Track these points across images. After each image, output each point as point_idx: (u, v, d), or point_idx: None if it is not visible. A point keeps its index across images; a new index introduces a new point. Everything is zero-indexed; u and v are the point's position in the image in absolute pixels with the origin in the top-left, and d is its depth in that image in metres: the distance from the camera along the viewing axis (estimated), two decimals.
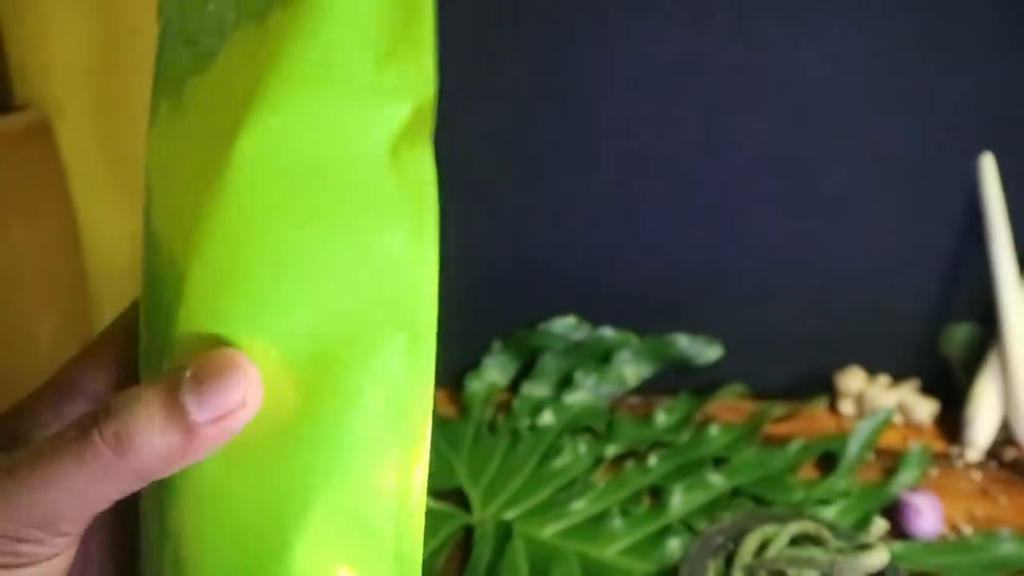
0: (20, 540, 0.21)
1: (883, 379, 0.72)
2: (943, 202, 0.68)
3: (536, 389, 0.71)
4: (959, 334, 0.70)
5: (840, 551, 0.44)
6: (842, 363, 0.73)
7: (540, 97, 0.66)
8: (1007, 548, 0.56)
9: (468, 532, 0.57)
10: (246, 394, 0.21)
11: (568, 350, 0.71)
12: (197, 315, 0.21)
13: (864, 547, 0.44)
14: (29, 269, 0.55)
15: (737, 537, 0.49)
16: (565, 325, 0.71)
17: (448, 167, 0.70)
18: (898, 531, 0.58)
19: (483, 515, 0.58)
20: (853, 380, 0.71)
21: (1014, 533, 0.57)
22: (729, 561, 0.48)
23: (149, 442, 0.20)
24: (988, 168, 0.65)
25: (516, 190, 0.69)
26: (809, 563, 0.43)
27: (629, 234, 0.69)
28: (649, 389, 0.73)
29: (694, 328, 0.72)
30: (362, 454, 0.21)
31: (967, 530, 0.59)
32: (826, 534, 0.47)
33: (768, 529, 0.49)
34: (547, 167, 0.68)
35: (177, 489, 0.22)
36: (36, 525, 0.21)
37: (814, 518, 0.50)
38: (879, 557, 0.43)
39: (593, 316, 0.72)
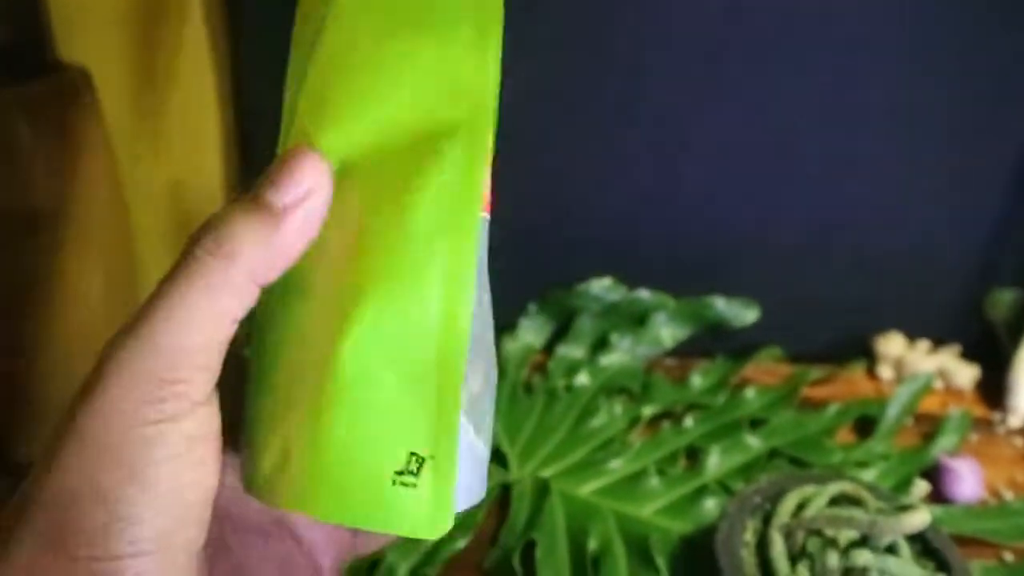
0: (169, 382, 0.22)
1: (923, 344, 0.71)
2: (990, 163, 0.67)
3: (572, 350, 0.71)
4: (1004, 299, 0.69)
5: (880, 511, 0.44)
6: (881, 327, 0.72)
7: (580, 52, 0.65)
8: None
9: (506, 490, 0.57)
10: (315, 179, 0.24)
11: (604, 312, 0.71)
12: (311, 106, 0.25)
13: (905, 508, 0.43)
14: (76, 231, 0.56)
15: (775, 497, 0.49)
16: (601, 287, 0.71)
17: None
18: (938, 495, 0.58)
19: (521, 473, 0.59)
20: (892, 345, 0.70)
21: None
22: (767, 521, 0.48)
23: (248, 239, 0.23)
24: None
25: (554, 149, 0.68)
26: (849, 523, 0.43)
27: (667, 195, 0.69)
28: (685, 351, 0.73)
29: (731, 290, 0.71)
30: (411, 257, 0.24)
31: (1008, 495, 0.58)
32: (865, 495, 0.47)
33: (807, 489, 0.49)
34: (586, 125, 0.67)
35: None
36: (178, 363, 0.22)
37: (853, 479, 0.50)
38: (920, 518, 0.42)
39: (630, 278, 0.71)
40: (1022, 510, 0.56)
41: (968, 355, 0.71)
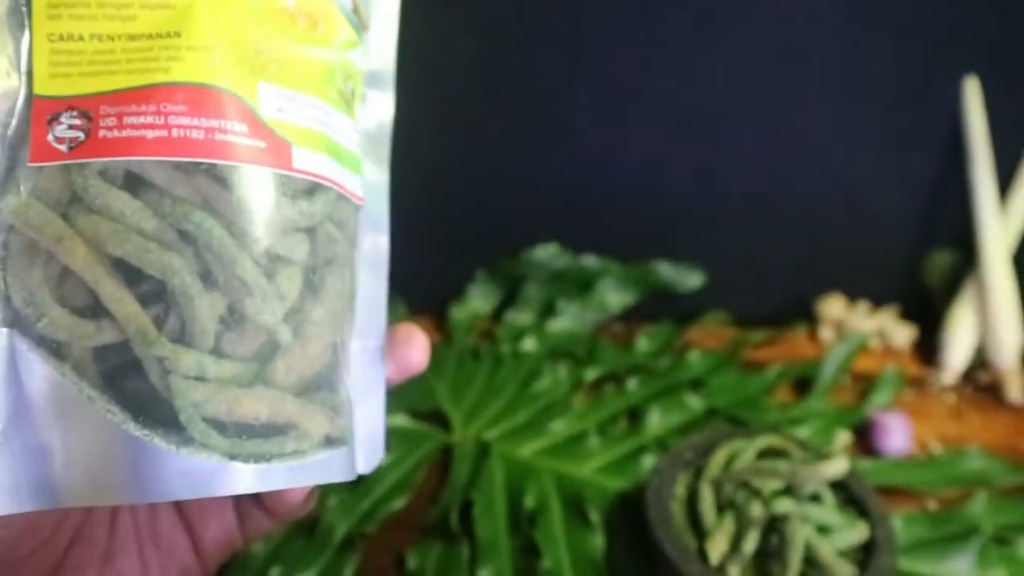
0: None
1: (863, 305, 0.72)
2: (927, 128, 0.68)
3: (519, 317, 0.72)
4: (940, 261, 0.71)
5: (804, 462, 0.46)
6: (824, 290, 0.74)
7: (521, 21, 0.65)
8: (974, 463, 0.58)
9: (448, 452, 0.58)
10: None
11: (551, 278, 0.72)
12: None
13: (824, 456, 0.45)
14: None
15: (707, 452, 0.51)
16: (547, 253, 0.72)
17: (430, 94, 0.69)
18: (869, 448, 0.60)
19: (463, 435, 0.59)
20: (833, 306, 0.72)
21: (982, 450, 0.58)
22: (698, 475, 0.49)
23: None
24: (971, 93, 0.65)
25: (498, 117, 0.69)
26: (772, 473, 0.45)
27: (611, 161, 0.69)
28: (632, 316, 0.74)
29: (676, 255, 0.72)
30: None
31: (937, 448, 0.60)
32: (791, 447, 0.48)
33: (736, 444, 0.50)
34: (528, 93, 0.68)
35: None
36: None
37: (781, 433, 0.51)
38: (838, 466, 0.44)
39: (576, 244, 0.72)
40: (948, 462, 0.58)
41: (907, 316, 0.73)
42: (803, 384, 0.66)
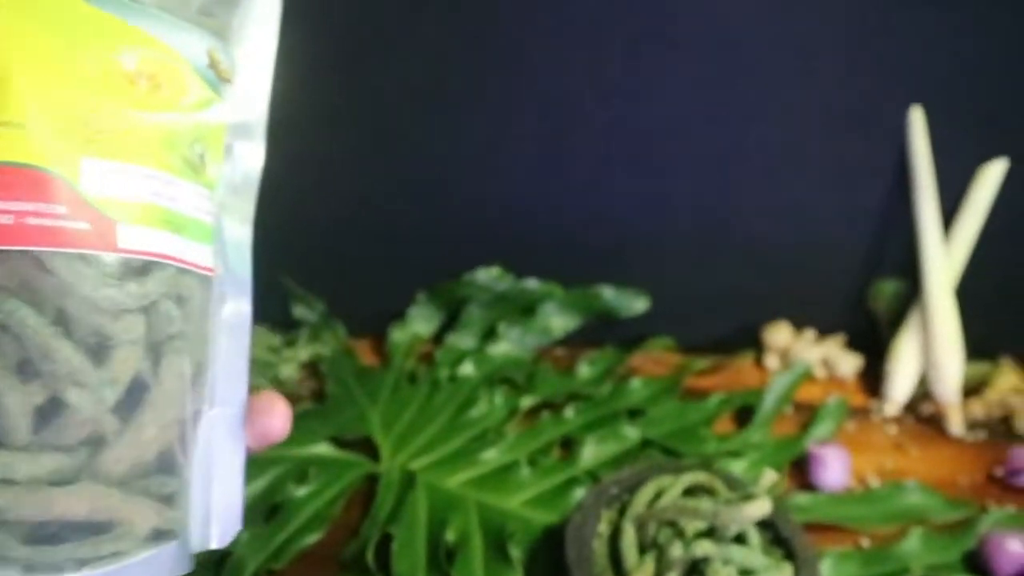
0: None
1: (809, 333, 0.71)
2: (874, 156, 0.67)
3: (460, 340, 0.71)
4: (886, 289, 0.70)
5: (729, 502, 0.44)
6: (771, 317, 0.73)
7: (461, 40, 0.64)
8: (911, 498, 0.57)
9: (373, 481, 0.56)
10: None
11: (493, 301, 0.71)
12: None
13: (748, 497, 0.43)
14: None
15: (633, 488, 0.49)
16: (489, 276, 0.70)
17: (370, 114, 0.67)
18: (806, 483, 0.58)
19: (391, 464, 0.58)
20: (779, 334, 0.71)
21: (920, 484, 0.57)
22: (623, 511, 0.48)
23: None
24: (916, 121, 0.64)
25: (442, 140, 0.67)
26: (695, 513, 0.43)
27: (554, 183, 0.68)
28: (576, 341, 0.72)
29: (621, 280, 0.71)
30: None
31: (874, 482, 0.59)
32: (719, 484, 0.47)
33: (664, 480, 0.48)
34: (472, 115, 0.66)
35: None
36: None
37: (710, 469, 0.50)
38: (760, 507, 0.42)
39: (519, 267, 0.71)
40: (885, 496, 0.57)
41: (853, 345, 0.72)
42: (745, 413, 0.65)
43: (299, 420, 0.60)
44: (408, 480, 0.56)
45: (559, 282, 0.70)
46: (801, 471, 0.59)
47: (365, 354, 0.71)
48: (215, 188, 0.29)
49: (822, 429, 0.62)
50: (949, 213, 0.67)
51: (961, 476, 0.60)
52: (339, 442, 0.59)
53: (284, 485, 0.53)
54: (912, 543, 0.53)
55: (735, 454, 0.59)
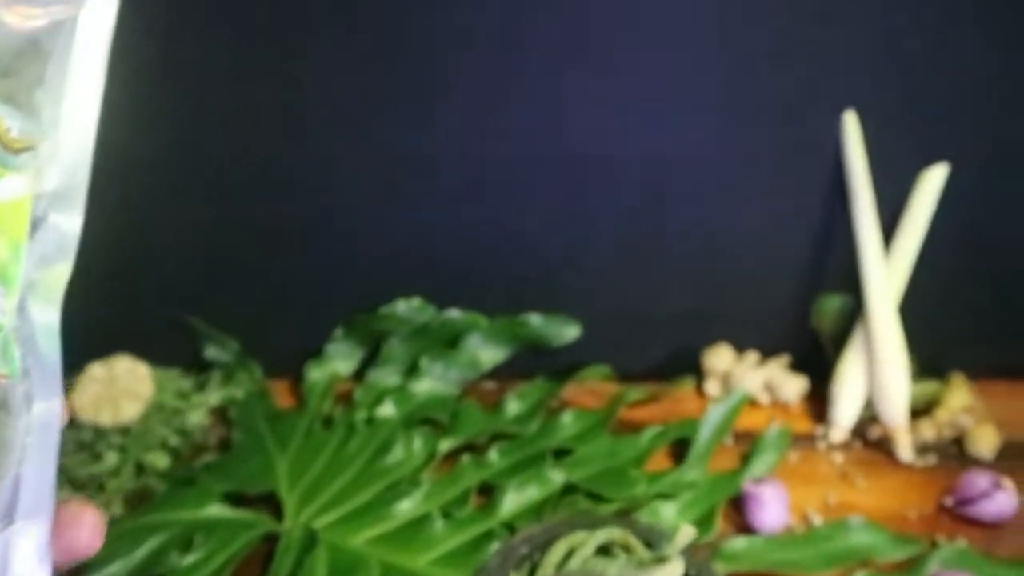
0: None
1: (751, 356, 0.68)
2: (808, 164, 0.64)
3: (383, 377, 0.66)
4: (830, 306, 0.66)
5: (640, 563, 0.40)
6: (712, 340, 0.69)
7: (377, 70, 0.60)
8: (856, 538, 0.53)
9: (275, 543, 0.52)
10: None
11: (414, 334, 0.66)
12: None
13: (660, 560, 0.39)
14: None
15: (545, 545, 0.45)
16: (410, 307, 0.66)
17: (278, 142, 0.63)
18: (742, 525, 0.55)
19: (295, 522, 0.53)
20: (720, 358, 0.67)
21: (866, 521, 0.54)
22: (532, 574, 0.44)
23: None
24: (850, 127, 0.61)
25: (355, 168, 0.63)
26: None
27: (472, 207, 0.64)
28: (507, 373, 0.68)
29: (550, 307, 0.67)
30: None
31: (817, 520, 0.55)
32: (633, 541, 0.43)
33: (578, 536, 0.44)
34: (385, 140, 0.62)
35: None
36: None
37: (627, 523, 0.46)
38: (670, 573, 0.38)
39: (441, 298, 0.66)
40: (827, 536, 0.53)
41: (797, 366, 0.68)
42: (683, 446, 0.61)
43: (195, 475, 0.56)
44: (309, 540, 0.51)
45: (484, 312, 0.66)
46: (739, 510, 0.55)
47: (282, 396, 0.67)
48: (13, 281, 0.26)
49: (762, 463, 0.58)
50: (891, 223, 0.64)
51: (910, 507, 0.57)
52: (239, 499, 0.55)
53: (166, 555, 0.48)
54: None
55: (666, 496, 0.55)
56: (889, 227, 0.63)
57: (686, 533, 0.40)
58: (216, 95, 0.60)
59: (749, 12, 0.58)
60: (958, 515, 0.56)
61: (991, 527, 0.55)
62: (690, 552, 0.43)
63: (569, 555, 0.44)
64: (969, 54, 0.59)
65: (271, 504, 0.55)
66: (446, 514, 0.53)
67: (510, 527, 0.52)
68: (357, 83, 0.60)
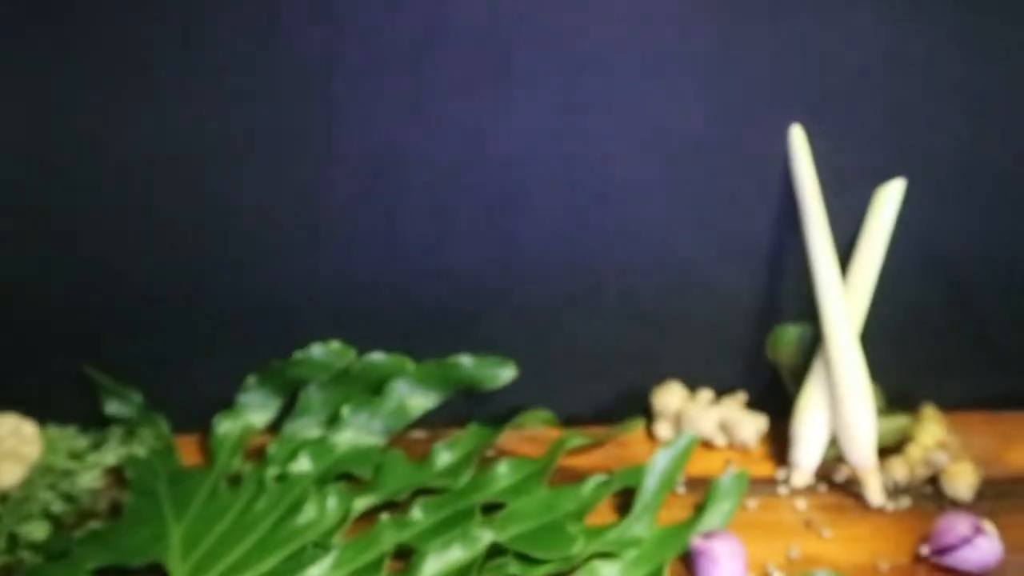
0: None
1: (705, 394, 0.62)
2: (757, 185, 0.59)
3: (300, 429, 0.60)
4: (787, 337, 0.60)
5: None
6: (663, 378, 0.63)
7: (268, 97, 0.55)
8: None
9: None
10: None
11: (334, 381, 0.60)
12: None
13: None
14: None
15: None
16: (327, 351, 0.60)
17: (166, 173, 0.57)
18: None
19: None
20: (670, 397, 0.61)
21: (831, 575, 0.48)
22: None
23: None
24: (797, 142, 0.56)
25: (261, 201, 0.58)
26: None
27: (389, 243, 0.58)
28: (438, 421, 0.62)
29: (484, 348, 0.61)
30: None
31: None
32: None
33: None
34: (288, 166, 0.57)
35: None
36: None
37: None
38: None
39: (361, 341, 0.61)
40: None
41: (755, 404, 0.62)
42: (630, 496, 0.54)
43: (71, 547, 0.49)
44: None
45: (410, 355, 0.60)
46: (690, 569, 0.49)
47: (190, 453, 0.60)
48: None
49: (717, 513, 0.52)
50: (847, 245, 0.59)
51: (882, 558, 0.51)
52: (121, 573, 0.48)
53: None
54: None
55: (607, 555, 0.49)
56: (845, 250, 0.59)
57: None
58: (110, 137, 0.55)
59: (685, 23, 0.54)
60: (936, 565, 0.50)
61: None
62: None
63: None
64: (920, 62, 0.55)
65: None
66: None
67: None
68: (268, 123, 0.55)
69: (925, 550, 0.50)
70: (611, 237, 0.60)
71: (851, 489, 0.56)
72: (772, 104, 0.56)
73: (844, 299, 0.56)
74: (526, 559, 0.48)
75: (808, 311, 0.59)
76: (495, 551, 0.49)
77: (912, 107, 0.57)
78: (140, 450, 0.59)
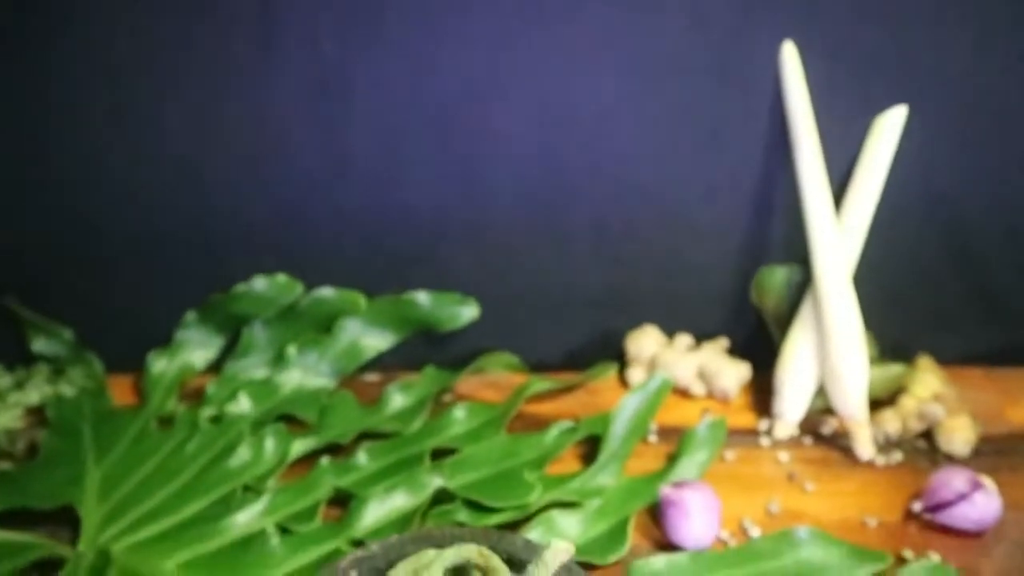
0: None
1: (683, 340, 0.57)
2: (742, 110, 0.54)
3: (244, 369, 0.55)
4: (773, 279, 0.56)
5: None
6: (639, 323, 0.58)
7: (205, 19, 0.50)
8: (804, 552, 0.42)
9: (51, 570, 0.40)
10: None
11: (280, 318, 0.55)
12: None
13: None
14: None
15: (385, 569, 0.34)
16: (273, 285, 0.55)
17: (108, 100, 0.51)
18: (662, 540, 0.44)
19: (91, 545, 0.42)
20: (645, 342, 0.56)
21: (816, 531, 0.43)
22: None
23: None
24: (789, 61, 0.51)
25: (201, 122, 0.52)
26: None
27: (337, 169, 0.53)
28: (394, 365, 0.57)
29: (444, 286, 0.56)
30: None
31: (755, 532, 0.44)
32: (496, 563, 0.32)
33: (425, 558, 0.33)
34: (225, 89, 0.52)
35: None
36: None
37: (492, 538, 0.35)
38: None
39: (310, 276, 0.56)
40: (767, 551, 0.42)
41: (737, 351, 0.58)
42: (598, 446, 0.50)
43: None
44: (100, 567, 0.40)
45: (362, 292, 0.55)
46: (658, 522, 0.44)
47: (125, 394, 0.55)
48: None
49: (691, 463, 0.48)
50: (841, 179, 0.54)
51: (870, 515, 0.46)
52: (27, 516, 0.43)
53: None
54: None
55: (567, 505, 0.44)
56: (839, 184, 0.54)
57: (558, 550, 0.29)
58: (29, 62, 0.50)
59: None
60: (929, 522, 0.45)
61: (969, 536, 0.45)
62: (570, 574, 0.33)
63: None
64: None
65: (70, 524, 0.43)
66: (285, 530, 0.42)
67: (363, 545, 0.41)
68: (204, 45, 0.50)
69: (918, 506, 0.46)
70: (582, 168, 0.55)
71: (838, 443, 0.51)
72: (761, 19, 0.51)
73: (837, 237, 0.51)
74: (476, 507, 0.43)
75: (796, 252, 0.55)
76: (442, 497, 0.44)
77: (915, 28, 0.52)
78: (68, 390, 0.54)
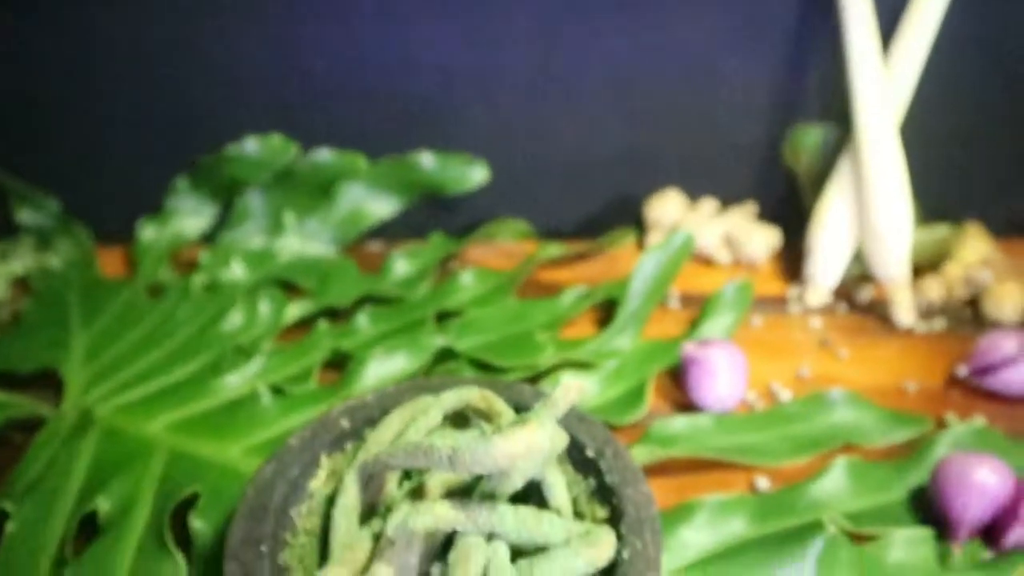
0: None
1: (708, 204, 0.53)
2: None
3: (241, 237, 0.52)
4: (808, 139, 0.51)
5: (497, 432, 0.26)
6: (660, 186, 0.54)
7: None
8: (837, 415, 0.39)
9: (33, 429, 0.38)
10: None
11: (277, 182, 0.52)
12: None
13: (522, 422, 0.26)
14: None
15: (379, 417, 0.31)
16: (267, 146, 0.51)
17: None
18: (685, 401, 0.41)
19: (75, 405, 0.39)
20: (667, 207, 0.52)
21: (850, 393, 0.40)
22: (356, 456, 0.30)
23: None
24: None
25: None
26: (427, 456, 0.25)
27: (337, 20, 0.49)
28: (400, 232, 0.54)
29: (450, 148, 0.52)
30: None
31: (784, 396, 0.41)
32: (500, 407, 0.29)
33: (423, 402, 0.30)
34: None
35: None
36: None
37: (495, 384, 0.32)
38: (525, 440, 0.24)
39: (307, 137, 0.52)
40: (797, 414, 0.39)
41: (767, 216, 0.54)
42: (614, 311, 0.46)
43: None
44: (81, 425, 0.37)
45: (364, 154, 0.51)
46: (679, 384, 0.41)
47: (115, 265, 0.53)
48: None
49: (715, 325, 0.44)
50: (885, 30, 0.48)
51: (911, 380, 0.43)
52: (10, 381, 0.41)
53: None
54: (833, 481, 0.35)
55: (581, 365, 0.41)
56: (885, 32, 0.48)
57: (567, 389, 0.26)
58: None
59: None
60: (973, 387, 0.42)
61: (1017, 402, 0.41)
62: (578, 421, 0.29)
63: (409, 429, 0.30)
64: None
65: (52, 386, 0.41)
66: (279, 391, 0.39)
67: None
68: None
69: (963, 370, 0.42)
70: (598, 16, 0.49)
71: (876, 310, 0.48)
72: None
73: (884, 87, 0.46)
74: (483, 367, 0.40)
75: (833, 111, 0.50)
76: (446, 356, 0.41)
77: None
78: (54, 260, 0.52)
